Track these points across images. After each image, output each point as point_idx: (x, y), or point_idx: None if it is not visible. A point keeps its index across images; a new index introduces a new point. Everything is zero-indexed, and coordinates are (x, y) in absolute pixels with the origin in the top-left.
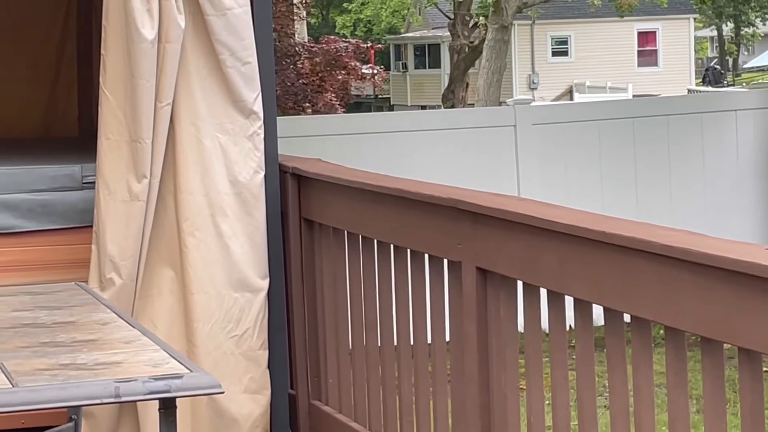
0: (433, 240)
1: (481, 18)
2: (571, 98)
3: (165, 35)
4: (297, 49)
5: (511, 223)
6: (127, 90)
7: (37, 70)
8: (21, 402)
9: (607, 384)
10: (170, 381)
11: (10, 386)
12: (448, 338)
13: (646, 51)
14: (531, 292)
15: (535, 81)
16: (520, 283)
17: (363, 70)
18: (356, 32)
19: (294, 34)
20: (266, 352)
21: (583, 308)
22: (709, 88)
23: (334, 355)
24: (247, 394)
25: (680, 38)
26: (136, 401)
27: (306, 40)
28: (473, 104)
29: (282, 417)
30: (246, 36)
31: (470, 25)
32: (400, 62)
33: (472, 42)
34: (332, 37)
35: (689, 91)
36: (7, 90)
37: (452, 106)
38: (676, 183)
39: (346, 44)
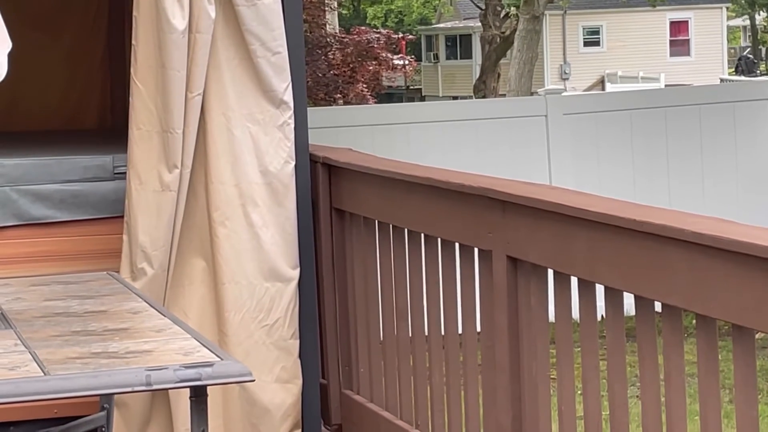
0: (463, 229)
1: (512, 8)
2: (603, 88)
3: (195, 25)
4: (328, 39)
5: (542, 211)
6: (158, 80)
7: (69, 61)
8: (53, 390)
9: (638, 374)
10: (201, 369)
11: (42, 375)
12: (479, 328)
13: (679, 41)
14: (562, 280)
15: (566, 71)
16: (550, 272)
17: (394, 61)
18: (387, 23)
19: (325, 25)
20: (297, 342)
21: (614, 296)
22: (742, 78)
23: (365, 344)
24: (279, 384)
25: (713, 28)
26: (167, 389)
27: (337, 31)
28: (505, 95)
29: (313, 406)
30: (276, 26)
31: (501, 16)
32: (432, 53)
33: (503, 32)
34: (363, 27)
35: (722, 80)
36: (40, 81)
37: (484, 97)
38: (708, 170)
39: (377, 35)
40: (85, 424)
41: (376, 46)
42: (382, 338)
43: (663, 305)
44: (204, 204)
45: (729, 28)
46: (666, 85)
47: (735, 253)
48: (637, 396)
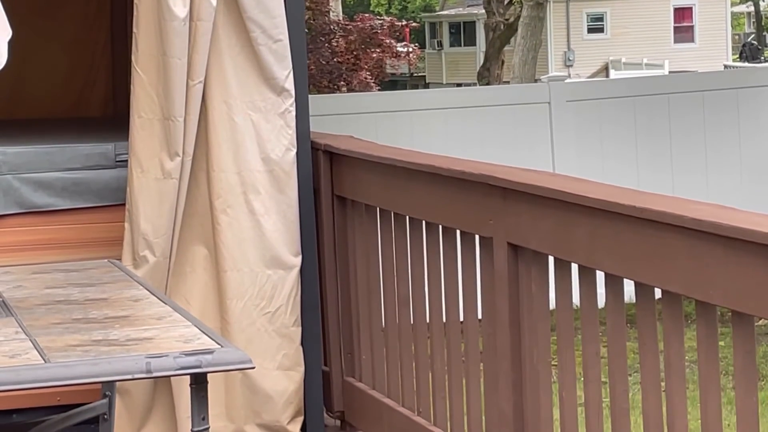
0: (464, 216)
1: None
2: (607, 75)
3: (196, 13)
4: (332, 27)
5: (543, 198)
6: (159, 68)
7: (72, 48)
8: (53, 377)
9: (639, 361)
10: (201, 356)
11: (43, 362)
12: (480, 315)
13: (683, 27)
14: (562, 267)
15: (570, 58)
16: (551, 259)
17: (398, 48)
18: (391, 10)
19: (329, 12)
20: (299, 329)
21: (614, 283)
22: (746, 64)
23: (367, 332)
24: (281, 371)
25: (717, 14)
26: (167, 376)
27: (341, 18)
28: (508, 82)
29: (315, 393)
30: (277, 14)
31: (505, 3)
32: (435, 40)
33: (507, 19)
34: (367, 15)
35: (726, 67)
36: (43, 69)
37: (487, 84)
38: (712, 158)
39: (381, 22)
40: (87, 411)
41: (379, 32)
42: (383, 325)
43: (663, 292)
44: (205, 192)
45: (733, 14)
46: (670, 72)
47: (735, 239)
48: (638, 382)
